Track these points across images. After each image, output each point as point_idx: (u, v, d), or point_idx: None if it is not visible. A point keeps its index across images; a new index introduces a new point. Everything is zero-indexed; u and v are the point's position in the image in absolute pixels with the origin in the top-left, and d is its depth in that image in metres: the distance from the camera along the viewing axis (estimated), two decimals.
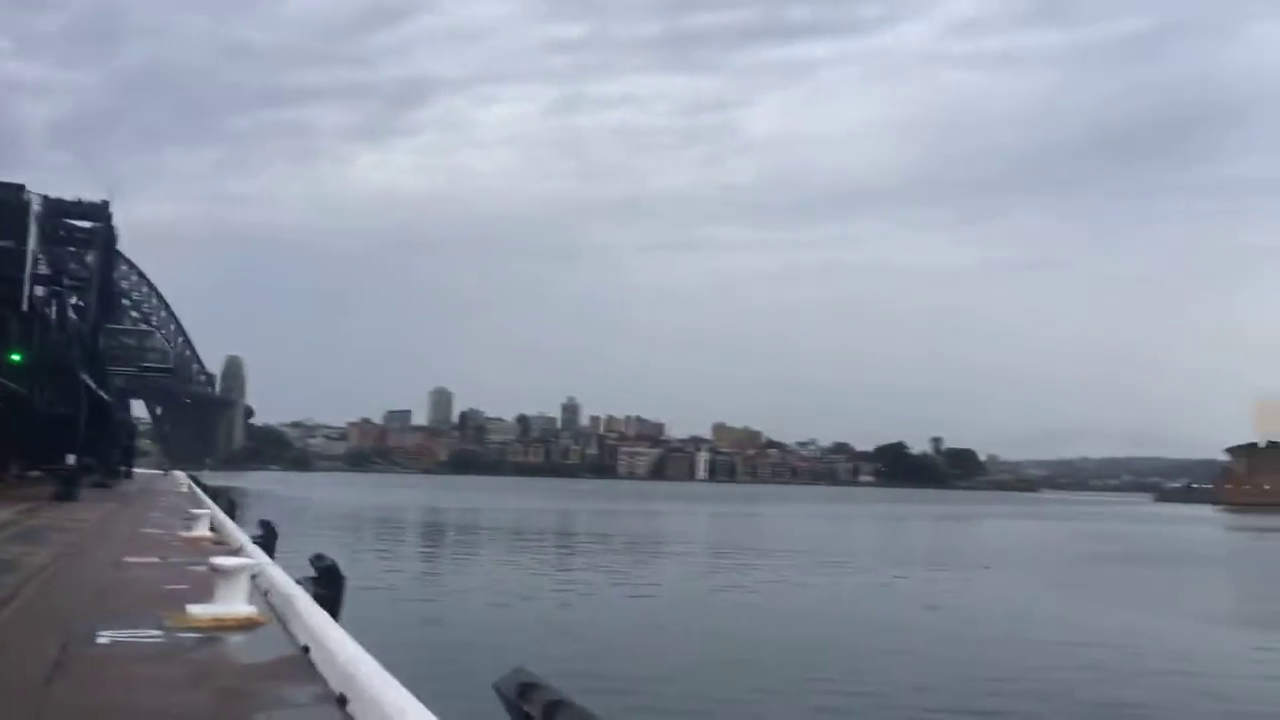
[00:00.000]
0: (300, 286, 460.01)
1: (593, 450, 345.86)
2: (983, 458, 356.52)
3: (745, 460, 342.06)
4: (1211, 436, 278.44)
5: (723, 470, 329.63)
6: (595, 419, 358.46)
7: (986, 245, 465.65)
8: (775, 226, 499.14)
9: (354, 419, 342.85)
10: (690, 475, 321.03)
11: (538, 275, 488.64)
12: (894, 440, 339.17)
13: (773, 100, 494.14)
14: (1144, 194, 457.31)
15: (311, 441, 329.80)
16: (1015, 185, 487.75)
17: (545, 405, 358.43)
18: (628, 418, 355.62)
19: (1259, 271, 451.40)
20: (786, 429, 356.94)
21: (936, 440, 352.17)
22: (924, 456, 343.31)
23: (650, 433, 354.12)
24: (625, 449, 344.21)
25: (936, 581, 35.80)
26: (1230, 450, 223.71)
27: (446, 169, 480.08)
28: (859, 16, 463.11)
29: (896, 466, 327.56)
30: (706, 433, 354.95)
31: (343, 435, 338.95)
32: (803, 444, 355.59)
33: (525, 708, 5.03)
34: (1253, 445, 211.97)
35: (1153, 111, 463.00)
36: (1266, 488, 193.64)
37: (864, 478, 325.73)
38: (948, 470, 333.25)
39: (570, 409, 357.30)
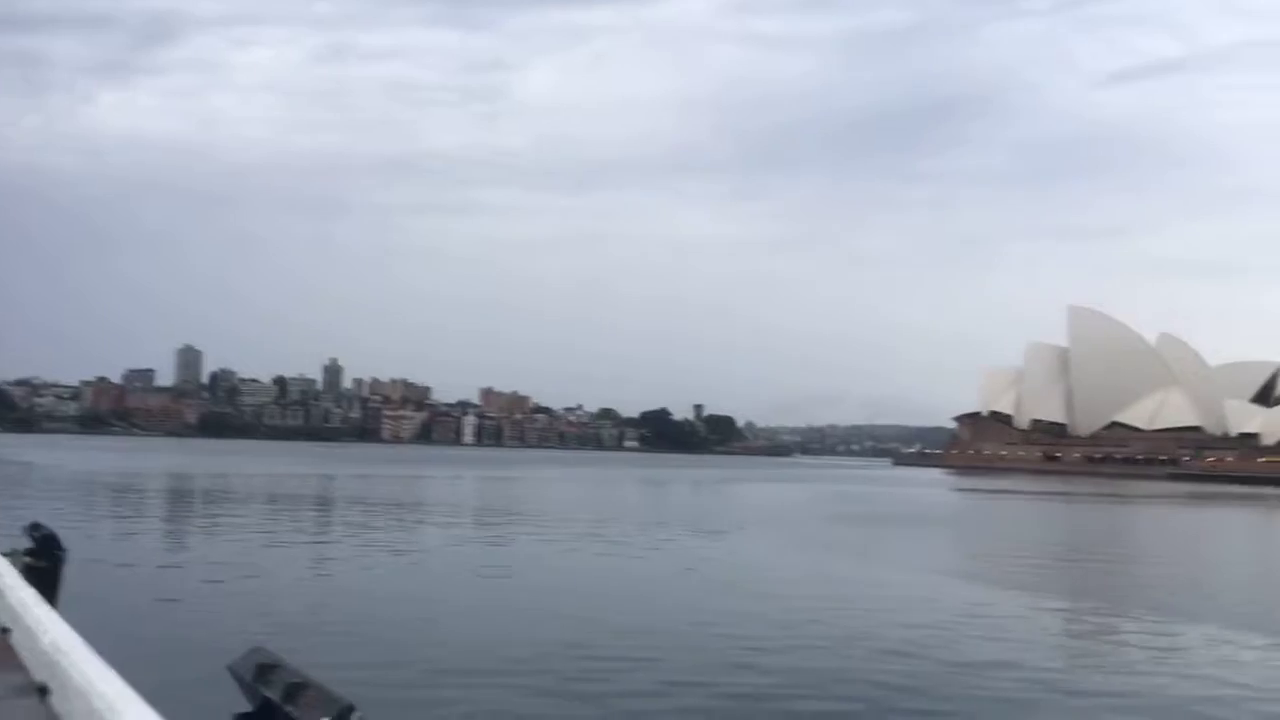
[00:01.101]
0: (30, 232, 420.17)
1: (355, 414, 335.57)
2: (740, 424, 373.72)
3: (513, 425, 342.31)
4: (944, 406, 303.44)
5: (490, 434, 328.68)
6: (359, 381, 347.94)
7: (751, 220, 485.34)
8: (548, 192, 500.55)
9: (89, 377, 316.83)
10: (457, 439, 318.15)
11: (299, 230, 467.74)
12: (658, 407, 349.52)
13: (550, 65, 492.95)
14: (897, 177, 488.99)
15: (39, 401, 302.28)
16: (782, 163, 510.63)
17: (305, 367, 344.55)
18: (393, 380, 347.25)
19: (975, 253, 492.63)
20: (554, 394, 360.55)
21: (698, 407, 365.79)
22: (686, 423, 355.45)
23: (416, 396, 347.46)
24: (390, 412, 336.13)
25: (696, 545, 37.07)
26: (957, 419, 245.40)
27: (198, 113, 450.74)
28: None
29: (660, 432, 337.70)
30: (474, 397, 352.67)
31: (76, 395, 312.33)
32: (570, 409, 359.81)
33: (264, 690, 4.62)
34: (976, 414, 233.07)
35: (909, 100, 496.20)
36: (986, 452, 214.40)
37: (629, 443, 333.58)
38: (708, 436, 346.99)
39: (332, 371, 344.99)
